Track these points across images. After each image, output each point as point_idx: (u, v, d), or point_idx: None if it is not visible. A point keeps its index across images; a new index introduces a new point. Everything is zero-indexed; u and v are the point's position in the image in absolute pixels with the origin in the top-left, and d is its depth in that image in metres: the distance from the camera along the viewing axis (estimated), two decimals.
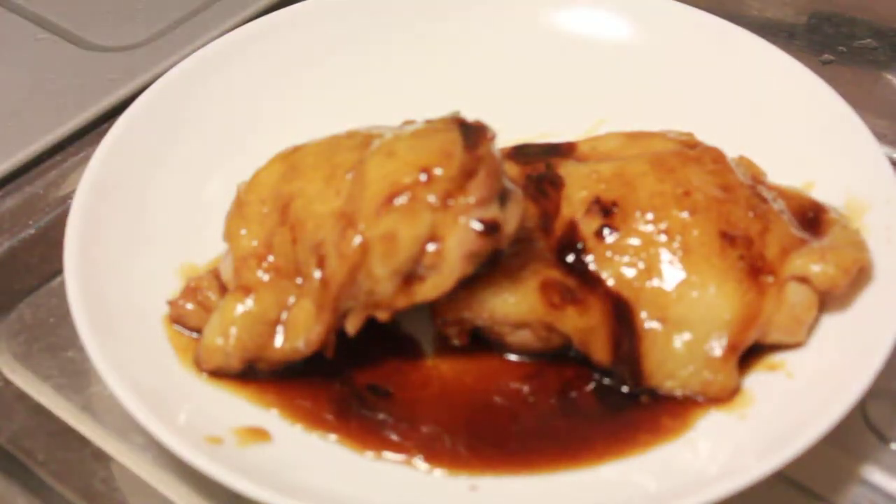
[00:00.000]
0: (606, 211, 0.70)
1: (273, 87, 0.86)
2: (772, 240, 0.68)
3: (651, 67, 0.86)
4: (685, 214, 0.69)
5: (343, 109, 0.83)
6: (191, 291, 0.71)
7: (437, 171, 0.63)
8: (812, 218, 0.72)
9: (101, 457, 0.68)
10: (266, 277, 0.68)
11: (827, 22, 1.00)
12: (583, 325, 0.67)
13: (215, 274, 0.71)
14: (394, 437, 0.65)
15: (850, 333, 0.67)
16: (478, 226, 0.64)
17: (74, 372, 0.72)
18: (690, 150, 0.73)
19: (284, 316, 0.67)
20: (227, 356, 0.67)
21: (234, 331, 0.67)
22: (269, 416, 0.66)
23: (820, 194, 0.74)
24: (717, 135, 0.76)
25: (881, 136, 0.78)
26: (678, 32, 0.87)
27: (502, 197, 0.65)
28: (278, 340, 0.67)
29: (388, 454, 0.65)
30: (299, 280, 0.68)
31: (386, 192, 0.64)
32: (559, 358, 0.69)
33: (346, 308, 0.66)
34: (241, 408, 0.67)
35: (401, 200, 0.63)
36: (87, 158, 0.77)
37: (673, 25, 0.87)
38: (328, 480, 0.63)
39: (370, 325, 0.67)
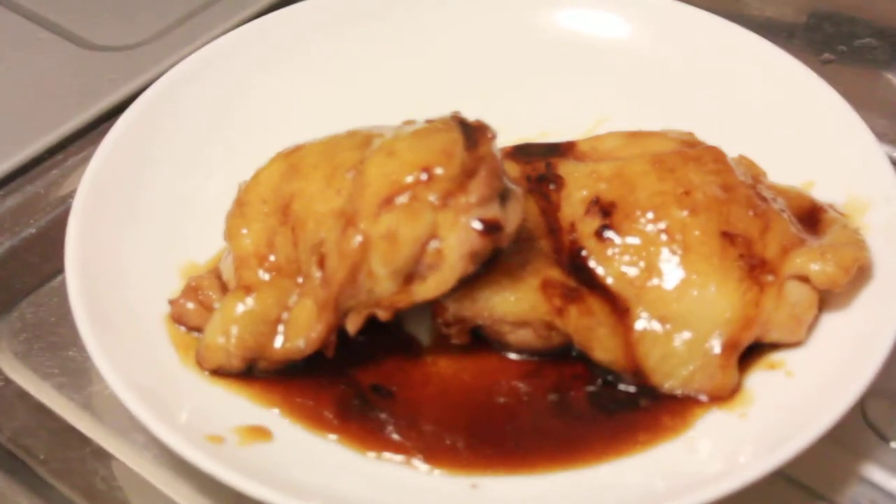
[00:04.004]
0: (606, 211, 0.70)
1: (273, 86, 0.86)
2: (772, 239, 0.69)
3: (651, 67, 0.87)
4: (685, 214, 0.69)
5: (344, 109, 0.83)
6: (192, 290, 0.71)
7: (438, 171, 0.63)
8: (812, 217, 0.73)
9: (102, 455, 0.68)
10: (267, 277, 0.68)
11: (827, 21, 1.00)
12: (583, 324, 0.67)
13: (216, 273, 0.72)
14: (395, 437, 0.66)
15: (849, 332, 0.68)
16: (478, 225, 0.64)
17: (75, 371, 0.73)
18: (691, 150, 0.73)
19: (285, 315, 0.68)
20: (228, 355, 0.68)
21: (235, 330, 0.67)
22: (271, 416, 0.67)
23: (820, 193, 0.75)
24: (718, 134, 0.76)
25: (881, 136, 0.78)
26: (678, 32, 0.87)
27: (503, 196, 0.65)
28: (279, 340, 0.67)
29: (389, 454, 0.65)
30: (300, 279, 0.68)
31: (386, 191, 0.64)
32: (559, 356, 0.70)
33: (347, 307, 0.66)
34: (242, 407, 0.67)
35: (401, 200, 0.63)
36: (87, 158, 0.77)
37: (673, 25, 0.88)
38: (329, 480, 0.63)
39: (371, 324, 0.67)
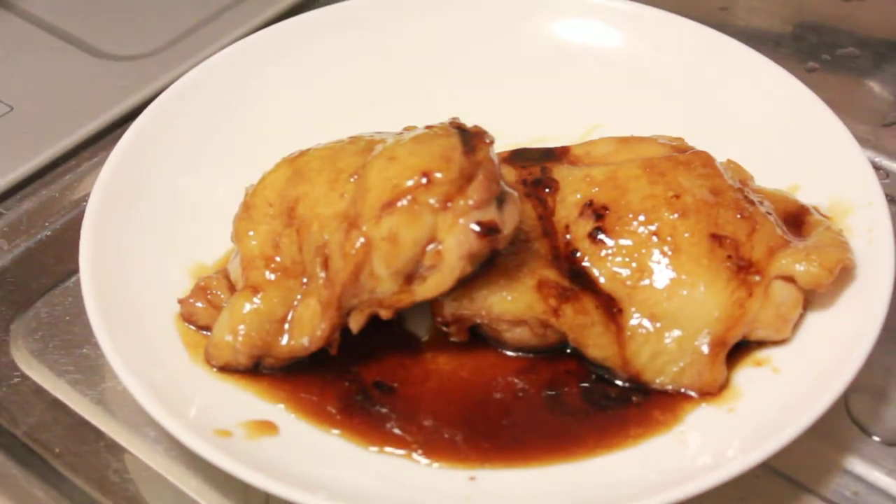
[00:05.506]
0: (599, 214, 0.70)
1: (279, 94, 0.86)
2: (759, 240, 0.69)
3: (643, 75, 0.87)
4: (675, 216, 0.69)
5: (346, 115, 0.83)
6: (201, 290, 0.71)
7: (438, 175, 0.64)
8: (797, 219, 0.73)
9: (114, 449, 0.69)
10: (273, 277, 0.68)
11: (811, 31, 1.01)
12: (578, 322, 0.67)
13: (224, 273, 0.72)
14: (396, 431, 0.66)
15: (833, 330, 0.68)
16: (476, 227, 0.64)
17: (89, 367, 0.73)
18: (681, 155, 0.74)
19: (291, 314, 0.68)
20: (235, 352, 0.68)
21: (242, 328, 0.67)
22: (277, 411, 0.67)
23: (805, 197, 0.75)
24: (707, 140, 0.76)
25: (863, 141, 0.78)
26: (670, 41, 0.88)
27: (500, 200, 0.66)
28: (285, 338, 0.68)
29: (390, 448, 0.65)
30: (305, 280, 0.68)
31: (388, 194, 0.64)
32: (554, 353, 0.70)
33: (350, 306, 0.66)
34: (249, 402, 0.67)
35: (402, 203, 0.64)
36: (100, 163, 0.77)
37: (665, 35, 0.88)
38: (333, 472, 0.63)
39: (373, 322, 0.67)
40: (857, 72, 0.96)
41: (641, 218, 0.69)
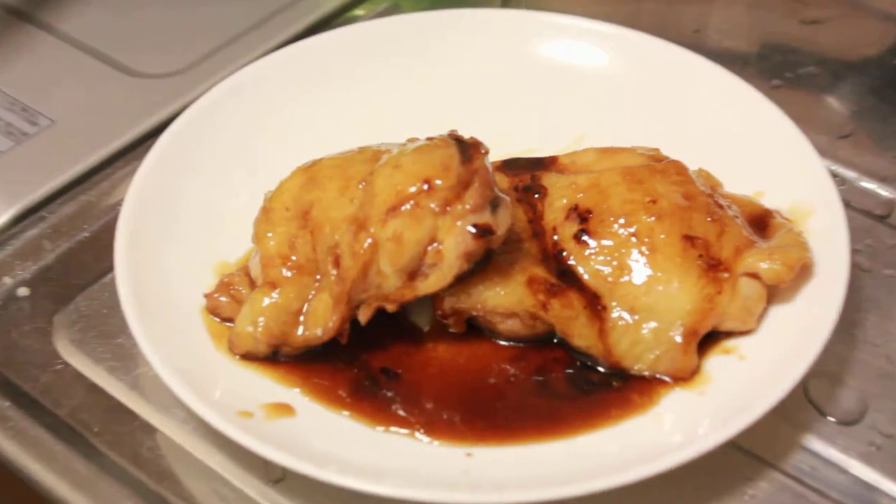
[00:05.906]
0: (583, 217, 0.72)
1: (294, 108, 0.87)
2: (727, 241, 0.70)
3: (625, 91, 0.88)
4: (652, 219, 0.70)
5: (356, 128, 0.84)
6: (224, 286, 0.73)
7: (438, 182, 0.65)
8: (762, 222, 0.74)
9: (147, 429, 0.70)
10: (289, 274, 0.70)
11: (776, 52, 1.01)
12: (564, 315, 0.69)
13: (245, 271, 0.73)
14: (400, 413, 0.67)
15: (794, 322, 0.69)
16: (473, 229, 0.66)
17: (124, 356, 0.74)
18: (657, 164, 0.75)
19: (305, 308, 0.69)
20: (255, 342, 0.69)
21: (262, 320, 0.69)
22: (293, 394, 0.68)
23: (769, 201, 0.76)
24: (681, 150, 0.77)
25: (823, 151, 0.78)
26: (648, 61, 0.88)
27: (494, 204, 0.67)
28: (300, 329, 0.69)
29: (395, 428, 0.67)
30: (318, 277, 0.70)
31: (393, 199, 0.66)
32: (542, 343, 0.71)
33: (359, 300, 0.68)
34: (268, 387, 0.69)
35: (406, 207, 0.65)
36: (133, 171, 0.79)
37: (644, 55, 0.89)
38: (343, 450, 0.65)
39: (380, 314, 0.69)
40: (817, 88, 0.97)
41: (621, 221, 0.70)
